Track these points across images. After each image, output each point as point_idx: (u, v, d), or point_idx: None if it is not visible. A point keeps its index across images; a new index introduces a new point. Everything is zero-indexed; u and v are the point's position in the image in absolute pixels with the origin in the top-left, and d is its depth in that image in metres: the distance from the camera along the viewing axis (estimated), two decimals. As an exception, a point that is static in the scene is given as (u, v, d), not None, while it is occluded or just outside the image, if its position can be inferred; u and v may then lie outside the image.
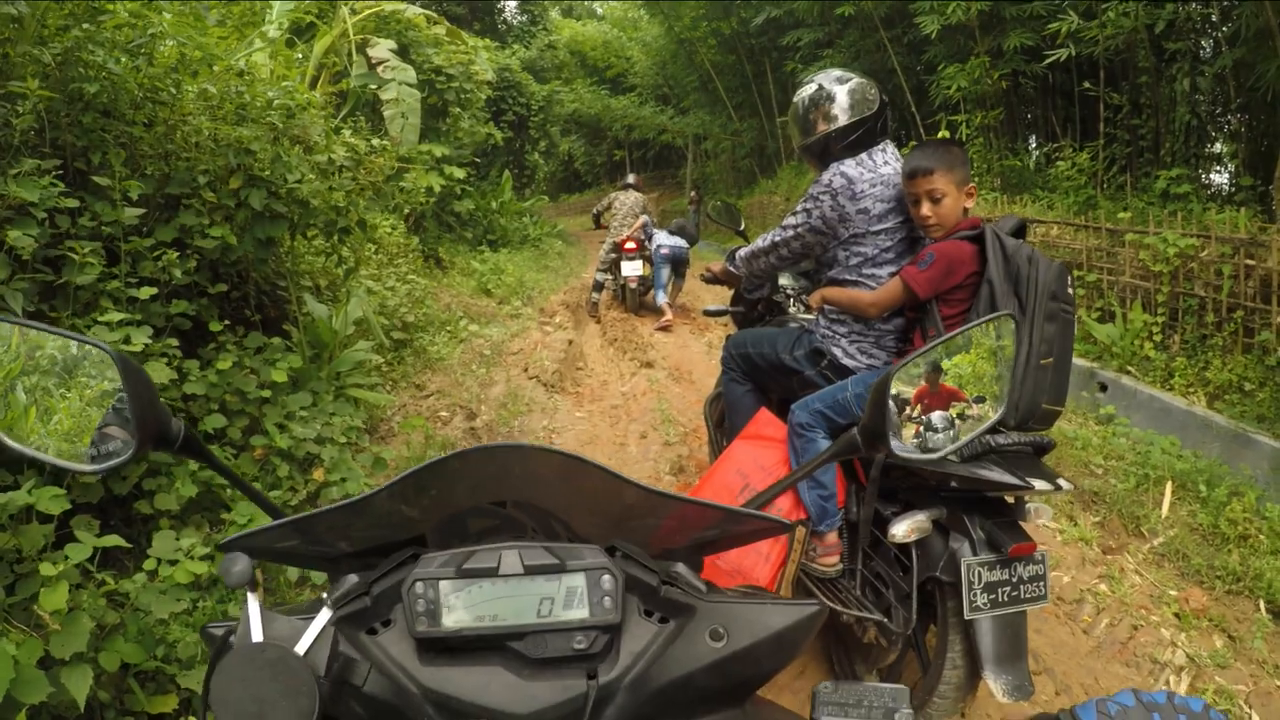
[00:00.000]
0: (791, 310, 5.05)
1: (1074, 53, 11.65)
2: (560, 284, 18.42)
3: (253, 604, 1.12)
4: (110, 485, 4.43)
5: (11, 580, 3.52)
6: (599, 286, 14.94)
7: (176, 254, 5.14)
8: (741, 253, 4.72)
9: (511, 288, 15.86)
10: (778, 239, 4.29)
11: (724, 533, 1.45)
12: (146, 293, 4.68)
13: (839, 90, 4.12)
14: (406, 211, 10.46)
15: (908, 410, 1.69)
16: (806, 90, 4.24)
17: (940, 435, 1.68)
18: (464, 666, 1.23)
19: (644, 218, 14.50)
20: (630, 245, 14.22)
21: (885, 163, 4.03)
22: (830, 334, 4.13)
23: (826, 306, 4.15)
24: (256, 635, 1.09)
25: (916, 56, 16.88)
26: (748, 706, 1.36)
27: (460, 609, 1.21)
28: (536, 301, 15.62)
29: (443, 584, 1.21)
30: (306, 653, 1.09)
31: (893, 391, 1.56)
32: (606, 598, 1.22)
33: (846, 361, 4.05)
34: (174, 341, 4.97)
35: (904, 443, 1.62)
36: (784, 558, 3.79)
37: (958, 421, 1.69)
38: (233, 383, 5.46)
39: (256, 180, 5.81)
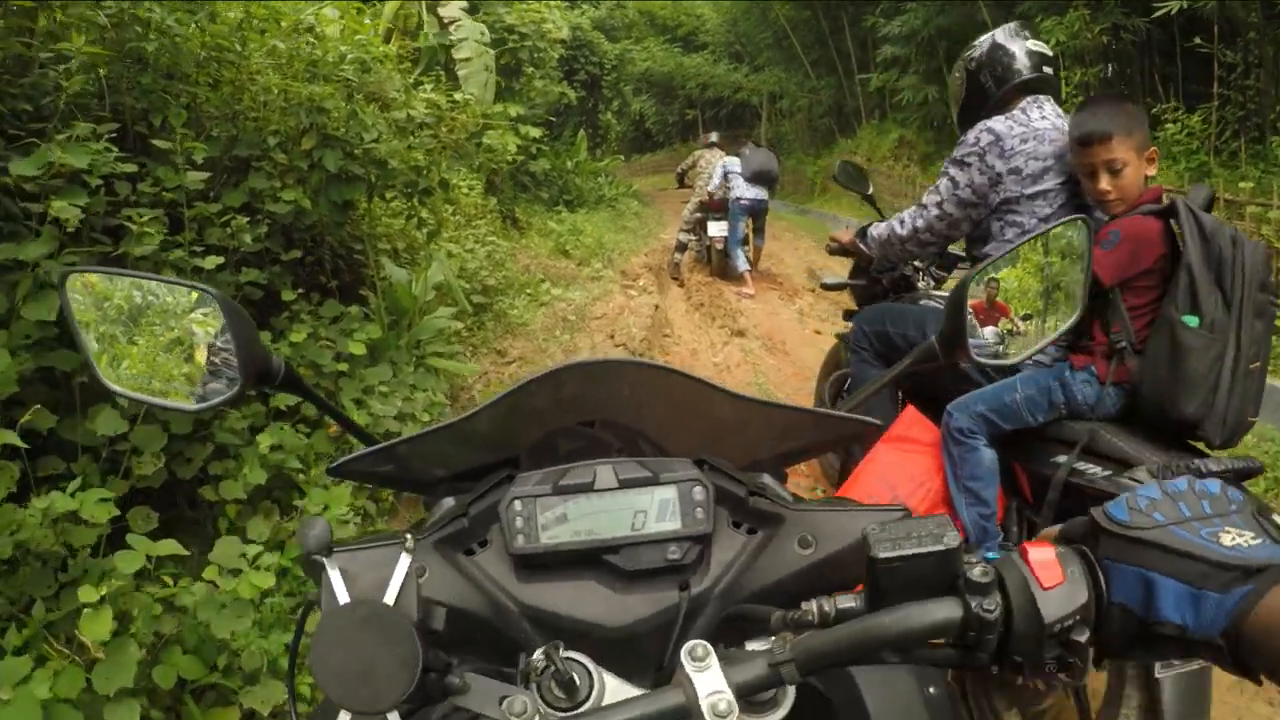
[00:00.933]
0: (922, 286, 4.69)
1: (1186, 4, 10.90)
2: (639, 245, 18.06)
3: (332, 569, 1.06)
4: (174, 468, 4.18)
5: (56, 589, 3.23)
6: (682, 247, 14.39)
7: (245, 220, 4.80)
8: (876, 233, 4.27)
9: (590, 249, 15.54)
10: (919, 223, 3.89)
11: (810, 440, 1.47)
12: (212, 262, 4.34)
13: (1018, 47, 3.74)
14: (484, 173, 10.09)
15: (982, 318, 1.71)
16: (981, 47, 3.85)
17: (991, 343, 1.72)
18: (560, 582, 1.24)
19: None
20: (719, 205, 13.62)
21: (1042, 116, 3.58)
22: None
23: None
24: (343, 597, 1.04)
25: (1009, 10, 15.95)
26: None
27: (556, 525, 1.23)
28: (617, 263, 15.25)
29: (539, 501, 1.23)
30: (396, 601, 1.04)
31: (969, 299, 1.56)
32: (698, 509, 1.24)
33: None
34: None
35: (979, 350, 1.63)
36: None
37: (1032, 329, 1.74)
38: (307, 355, 5.16)
39: (331, 140, 5.46)
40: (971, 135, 3.60)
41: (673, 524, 1.23)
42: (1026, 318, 1.75)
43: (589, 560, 1.24)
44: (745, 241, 13.51)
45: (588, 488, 1.24)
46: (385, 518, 5.01)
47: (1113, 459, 3.08)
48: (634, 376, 1.31)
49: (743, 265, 13.25)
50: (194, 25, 5.03)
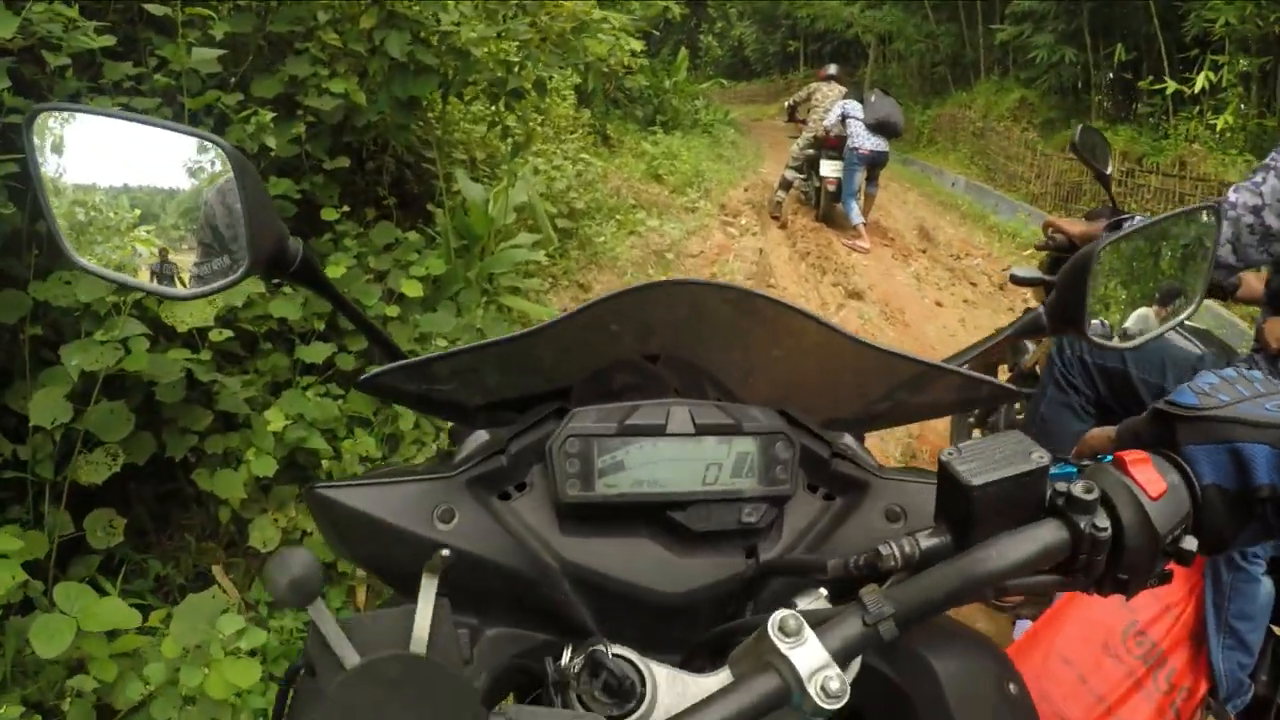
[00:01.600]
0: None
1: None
2: (738, 178, 17.08)
3: (326, 619, 0.80)
4: (166, 440, 3.36)
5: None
6: (786, 185, 13.32)
7: (270, 115, 3.75)
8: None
9: (686, 176, 14.59)
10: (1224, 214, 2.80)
11: (904, 401, 1.28)
12: None
13: None
14: (598, 77, 9.11)
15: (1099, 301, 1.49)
16: None
17: (1134, 325, 1.60)
18: (611, 538, 1.11)
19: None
20: (834, 142, 12.50)
21: None
22: None
23: None
24: (350, 656, 0.79)
25: None
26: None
27: (618, 471, 1.08)
28: (714, 195, 14.29)
29: (600, 441, 1.07)
30: (429, 648, 0.83)
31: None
32: (780, 466, 1.11)
33: None
34: None
35: (1096, 331, 1.46)
36: None
37: (1154, 313, 1.64)
38: (350, 292, 4.11)
39: (398, 19, 4.34)
40: None
41: (750, 481, 1.10)
42: (1142, 302, 1.63)
43: (648, 515, 1.11)
44: (859, 192, 12.55)
45: (659, 430, 1.08)
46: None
47: None
48: (714, 301, 1.13)
49: (857, 218, 12.22)
50: None
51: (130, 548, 3.32)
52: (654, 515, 1.12)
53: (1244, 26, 12.34)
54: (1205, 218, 1.65)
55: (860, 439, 1.32)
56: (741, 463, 1.10)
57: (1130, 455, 0.92)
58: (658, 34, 22.64)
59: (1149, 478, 0.89)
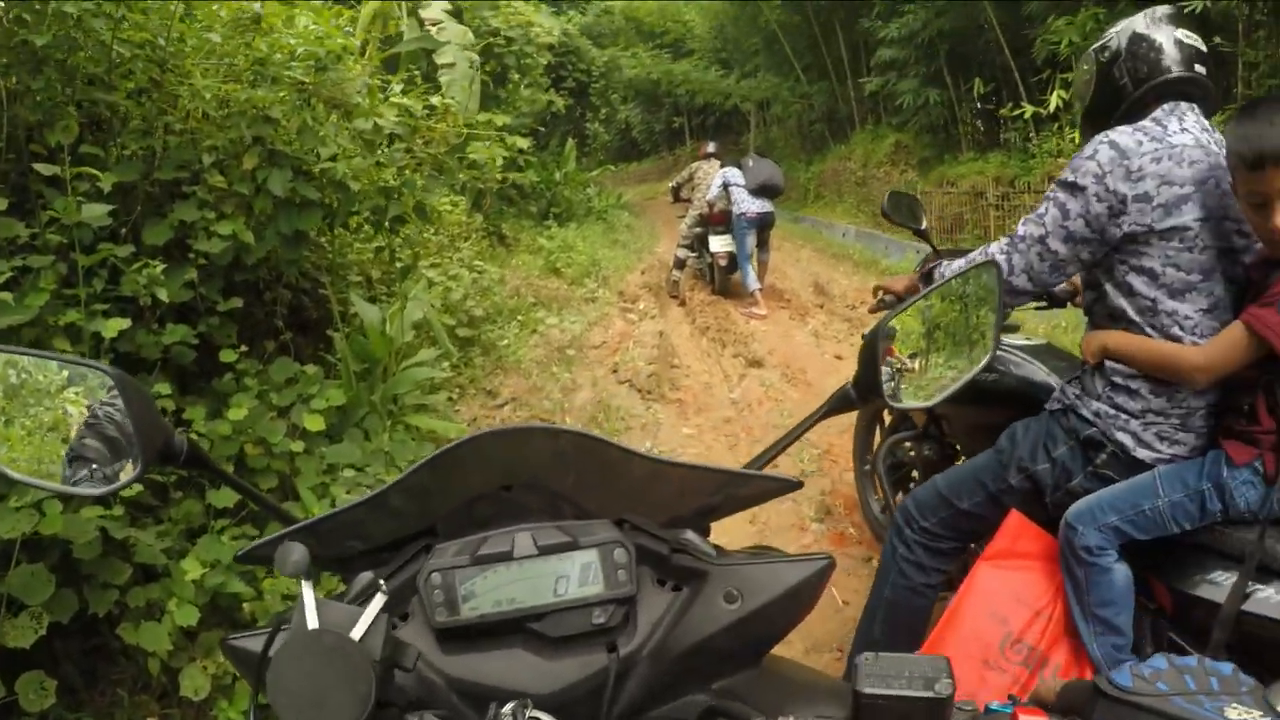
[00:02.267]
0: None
1: (1209, 4, 10.30)
2: (634, 261, 17.31)
3: (308, 592, 1.07)
4: (88, 597, 3.34)
5: None
6: (680, 264, 13.55)
7: (160, 267, 3.83)
8: (949, 273, 3.20)
9: (583, 267, 14.72)
10: (1013, 262, 2.93)
11: (729, 496, 1.42)
12: (114, 328, 3.46)
13: (1165, 37, 2.83)
14: (473, 192, 9.20)
15: (896, 364, 1.70)
16: (1118, 36, 2.94)
17: (933, 383, 1.74)
18: (485, 652, 1.24)
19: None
20: (719, 218, 12.80)
21: (1183, 129, 2.66)
22: (1112, 413, 2.79)
23: (1111, 365, 2.80)
24: (312, 622, 1.04)
25: (1014, 10, 15.59)
26: (764, 664, 1.36)
27: (477, 595, 1.21)
28: (613, 282, 14.46)
29: (459, 572, 1.22)
30: (362, 638, 1.04)
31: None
32: (620, 570, 1.22)
33: (1141, 453, 2.74)
34: (164, 389, 3.78)
35: (897, 395, 1.65)
36: None
37: (947, 371, 1.76)
38: (254, 430, 4.16)
39: (279, 157, 4.45)
40: (1088, 149, 2.71)
41: (595, 587, 1.22)
42: (938, 361, 1.79)
43: (514, 629, 1.23)
44: (752, 257, 12.73)
45: (507, 556, 1.22)
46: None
47: None
48: (548, 442, 1.28)
49: (754, 283, 12.45)
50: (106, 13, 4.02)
51: (63, 707, 3.30)
52: (520, 627, 1.23)
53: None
54: (986, 275, 1.77)
55: (704, 531, 1.42)
56: (586, 572, 1.22)
57: (1027, 713, 0.99)
58: (544, 129, 22.71)
59: None
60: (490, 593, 1.22)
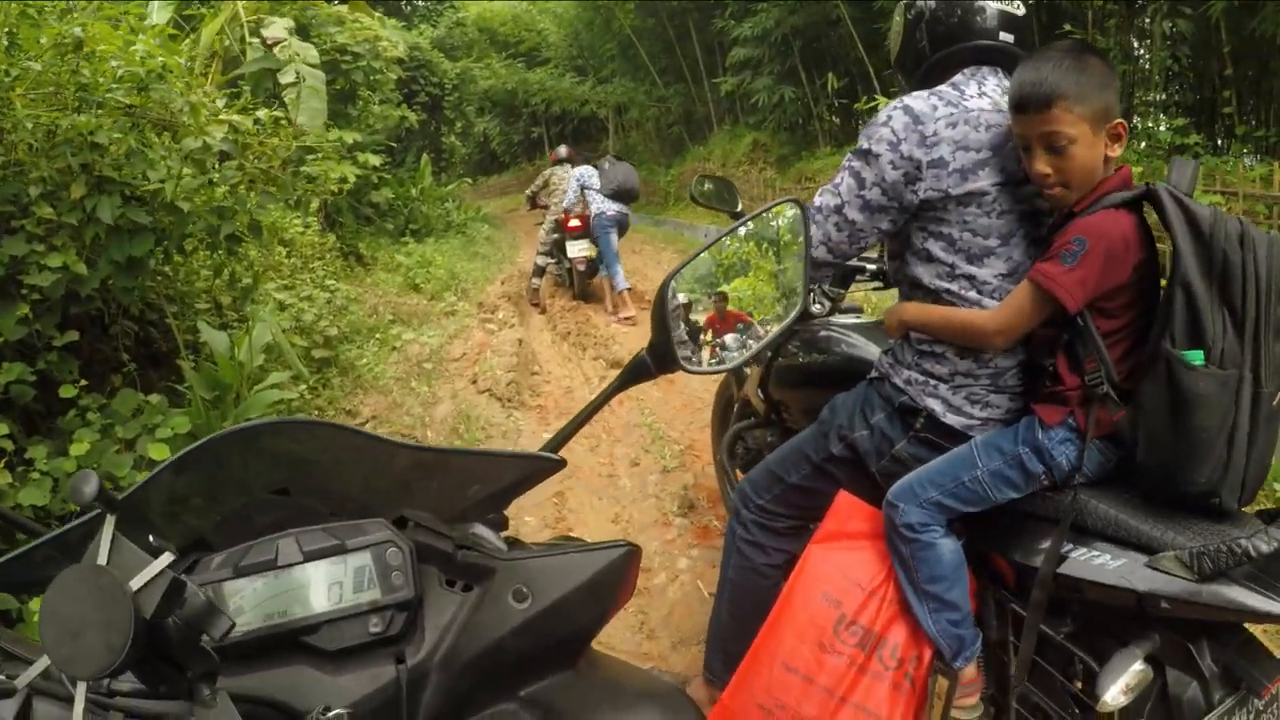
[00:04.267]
0: (816, 309, 3.77)
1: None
2: (494, 272, 17.23)
3: (108, 527, 0.99)
4: None
5: None
6: (540, 271, 13.53)
7: None
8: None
9: (443, 281, 14.62)
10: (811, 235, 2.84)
11: (507, 481, 1.42)
12: None
13: (975, 2, 2.74)
14: (316, 206, 9.05)
15: (702, 336, 1.66)
16: None
17: (734, 351, 1.69)
18: (268, 670, 1.17)
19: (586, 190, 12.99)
20: (575, 223, 12.79)
21: (981, 94, 2.63)
22: (921, 379, 2.76)
23: (915, 336, 2.79)
24: (102, 559, 0.98)
25: (866, 7, 15.63)
26: (581, 665, 1.32)
27: (247, 609, 1.16)
28: (472, 295, 14.34)
29: (225, 586, 1.16)
30: (140, 590, 0.95)
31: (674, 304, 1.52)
32: (396, 573, 1.19)
33: (952, 419, 2.71)
34: (3, 428, 3.76)
35: (697, 359, 1.59)
36: (913, 718, 2.71)
37: (757, 327, 1.72)
38: (100, 465, 4.09)
39: (107, 183, 4.38)
40: (882, 115, 2.67)
41: (372, 593, 1.17)
42: (765, 321, 1.72)
43: (289, 642, 1.16)
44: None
45: (271, 565, 1.16)
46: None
47: (1117, 539, 2.37)
48: (297, 436, 1.24)
49: (622, 283, 12.42)
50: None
51: None
52: (295, 641, 1.18)
53: None
54: (788, 211, 1.75)
55: (497, 525, 1.41)
56: (360, 576, 1.18)
57: None
58: (398, 145, 22.50)
59: None
60: (259, 606, 1.16)
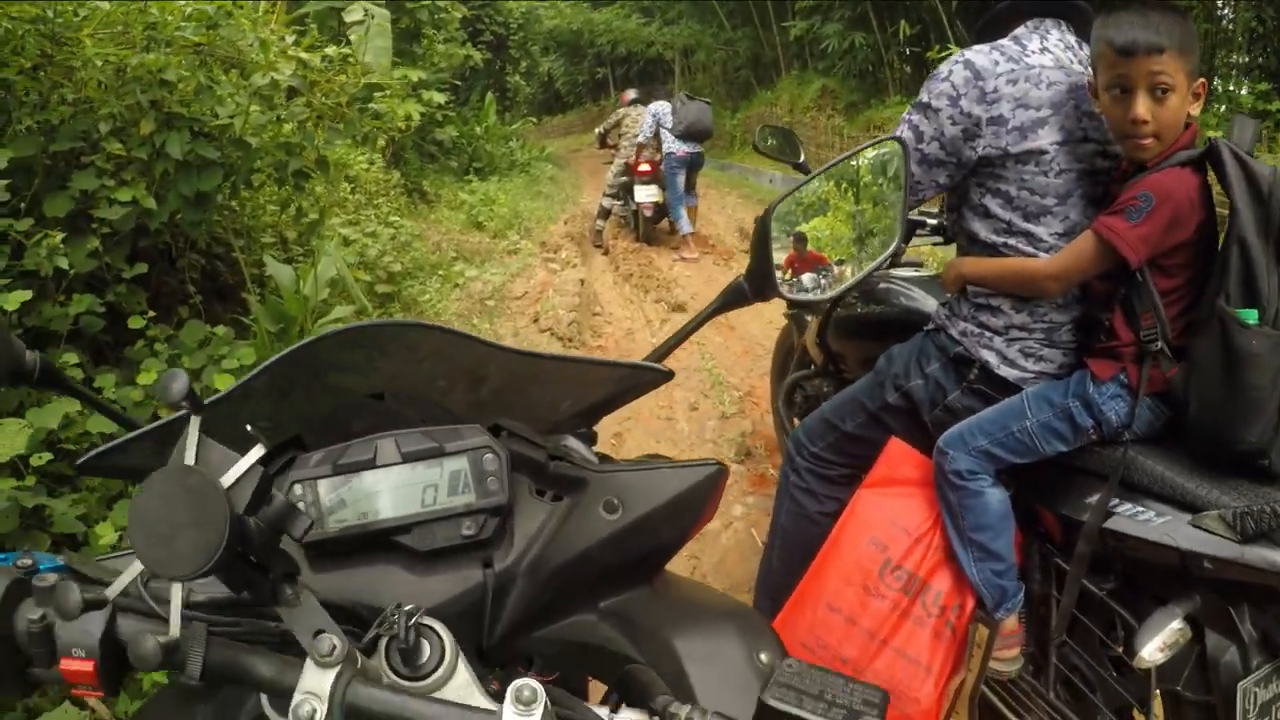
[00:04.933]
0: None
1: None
2: (558, 212, 17.14)
3: (193, 427, 0.97)
4: None
5: None
6: (605, 213, 13.41)
7: (61, 236, 3.82)
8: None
9: (506, 220, 14.56)
10: None
11: (607, 391, 1.43)
12: (15, 300, 3.44)
13: None
14: (382, 143, 9.08)
15: (796, 267, 1.68)
16: None
17: (827, 278, 1.71)
18: (355, 568, 1.18)
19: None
20: (645, 168, 12.70)
21: (1043, 49, 2.60)
22: (977, 331, 2.76)
23: (971, 289, 2.78)
24: (190, 458, 0.96)
25: None
26: (656, 584, 1.34)
27: (342, 508, 1.16)
28: (535, 234, 14.30)
29: (321, 483, 1.16)
30: (231, 488, 0.94)
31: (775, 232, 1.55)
32: (491, 478, 1.19)
33: (1005, 371, 2.71)
34: (72, 358, 3.76)
35: (793, 287, 1.65)
36: (952, 666, 2.74)
37: (851, 261, 1.74)
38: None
39: (176, 119, 4.43)
40: (943, 70, 2.66)
41: (466, 497, 1.18)
42: (841, 262, 1.71)
43: (382, 542, 1.18)
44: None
45: (369, 464, 1.17)
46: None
47: (1163, 497, 2.37)
48: (407, 339, 1.26)
49: (686, 227, 12.41)
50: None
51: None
52: (388, 542, 1.18)
53: None
54: (889, 147, 1.76)
55: (588, 438, 1.44)
56: (455, 480, 1.17)
57: None
58: (462, 84, 22.48)
59: None
60: (354, 504, 1.17)
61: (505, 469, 1.19)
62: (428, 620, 0.99)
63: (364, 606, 1.14)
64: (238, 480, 0.96)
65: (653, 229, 13.27)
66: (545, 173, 22.87)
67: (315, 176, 5.55)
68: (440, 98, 14.34)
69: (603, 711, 0.99)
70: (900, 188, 1.75)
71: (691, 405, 6.85)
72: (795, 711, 0.84)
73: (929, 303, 3.34)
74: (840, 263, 1.76)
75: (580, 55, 40.97)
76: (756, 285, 1.57)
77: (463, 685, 0.98)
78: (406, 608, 0.97)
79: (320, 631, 0.94)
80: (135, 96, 4.30)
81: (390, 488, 1.17)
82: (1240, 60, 11.19)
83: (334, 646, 0.92)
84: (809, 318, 4.30)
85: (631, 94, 14.29)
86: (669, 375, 1.40)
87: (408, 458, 1.18)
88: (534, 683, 0.88)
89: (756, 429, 6.23)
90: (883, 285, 3.60)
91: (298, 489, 1.15)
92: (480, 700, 0.96)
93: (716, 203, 17.23)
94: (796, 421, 4.49)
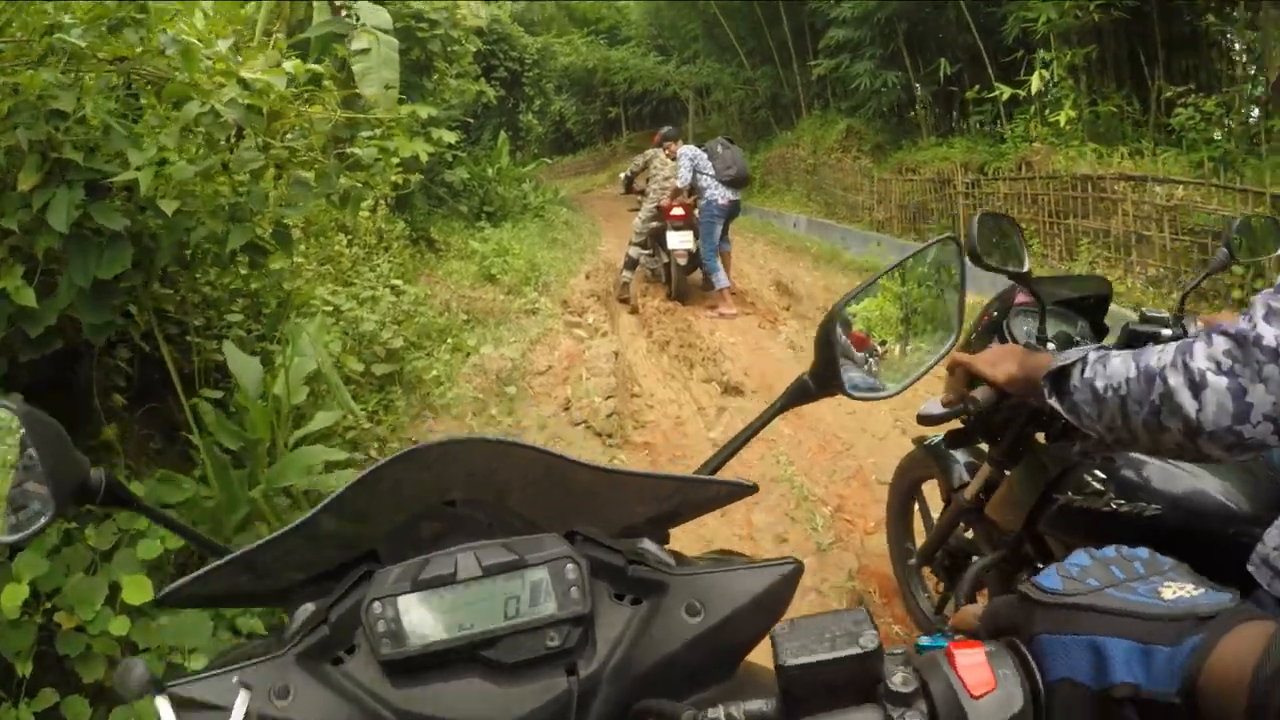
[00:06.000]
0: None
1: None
2: (577, 263, 16.04)
3: (165, 711, 0.98)
4: None
5: None
6: (631, 264, 12.43)
7: None
8: (1094, 360, 1.87)
9: (522, 273, 13.43)
10: (1242, 379, 1.62)
11: (684, 502, 1.39)
12: None
13: None
14: (370, 202, 7.69)
15: (855, 354, 1.68)
16: None
17: (895, 372, 1.75)
18: (438, 684, 1.15)
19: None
20: (679, 211, 11.73)
21: None
22: None
23: None
24: None
25: None
26: (739, 674, 1.30)
27: (424, 624, 1.13)
28: (554, 289, 13.15)
29: (401, 600, 1.13)
30: None
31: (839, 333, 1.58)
32: (573, 588, 1.16)
33: None
34: None
35: (857, 384, 1.62)
36: None
37: (909, 356, 1.79)
38: (64, 596, 2.87)
39: (70, 170, 2.95)
40: None
41: (548, 607, 1.15)
42: (892, 346, 1.77)
43: (466, 656, 1.15)
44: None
45: (450, 579, 1.14)
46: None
47: None
48: (482, 453, 1.23)
49: (723, 280, 11.59)
50: None
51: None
52: (471, 656, 1.13)
53: (1063, 20, 12.64)
54: (947, 249, 1.77)
55: (661, 539, 1.34)
56: (537, 591, 1.13)
57: (962, 648, 0.89)
58: (474, 122, 21.60)
59: (976, 675, 0.86)
60: (437, 620, 1.12)
61: (586, 578, 1.16)
62: None
63: None
64: None
65: (685, 282, 12.30)
66: (560, 217, 22.28)
67: (275, 253, 4.04)
68: (451, 137, 13.22)
69: None
70: (956, 286, 1.78)
71: (779, 536, 5.47)
72: (814, 659, 0.88)
73: (1232, 497, 2.43)
74: (893, 346, 1.79)
75: (593, 94, 41.52)
76: (821, 381, 1.53)
77: None
78: None
79: None
80: (13, 137, 2.85)
81: (472, 602, 1.14)
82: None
83: None
84: (963, 458, 3.51)
85: (667, 130, 13.14)
86: (752, 489, 1.33)
87: (488, 571, 1.15)
88: None
89: (863, 563, 5.00)
90: (1157, 471, 2.59)
91: (377, 606, 1.10)
92: None
93: (744, 250, 16.34)
94: (940, 588, 3.80)
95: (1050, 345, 2.67)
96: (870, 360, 1.70)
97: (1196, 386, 1.60)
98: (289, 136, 3.61)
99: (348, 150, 3.94)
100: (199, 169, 3.14)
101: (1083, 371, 1.80)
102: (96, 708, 2.91)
